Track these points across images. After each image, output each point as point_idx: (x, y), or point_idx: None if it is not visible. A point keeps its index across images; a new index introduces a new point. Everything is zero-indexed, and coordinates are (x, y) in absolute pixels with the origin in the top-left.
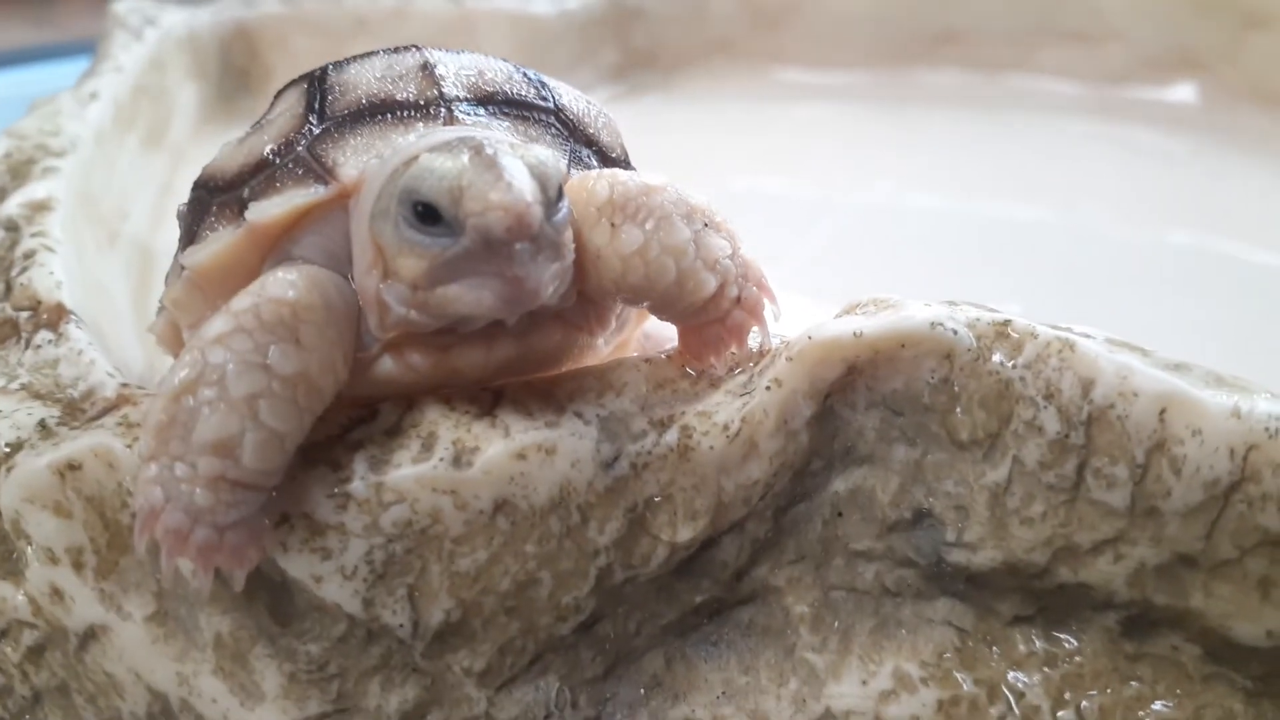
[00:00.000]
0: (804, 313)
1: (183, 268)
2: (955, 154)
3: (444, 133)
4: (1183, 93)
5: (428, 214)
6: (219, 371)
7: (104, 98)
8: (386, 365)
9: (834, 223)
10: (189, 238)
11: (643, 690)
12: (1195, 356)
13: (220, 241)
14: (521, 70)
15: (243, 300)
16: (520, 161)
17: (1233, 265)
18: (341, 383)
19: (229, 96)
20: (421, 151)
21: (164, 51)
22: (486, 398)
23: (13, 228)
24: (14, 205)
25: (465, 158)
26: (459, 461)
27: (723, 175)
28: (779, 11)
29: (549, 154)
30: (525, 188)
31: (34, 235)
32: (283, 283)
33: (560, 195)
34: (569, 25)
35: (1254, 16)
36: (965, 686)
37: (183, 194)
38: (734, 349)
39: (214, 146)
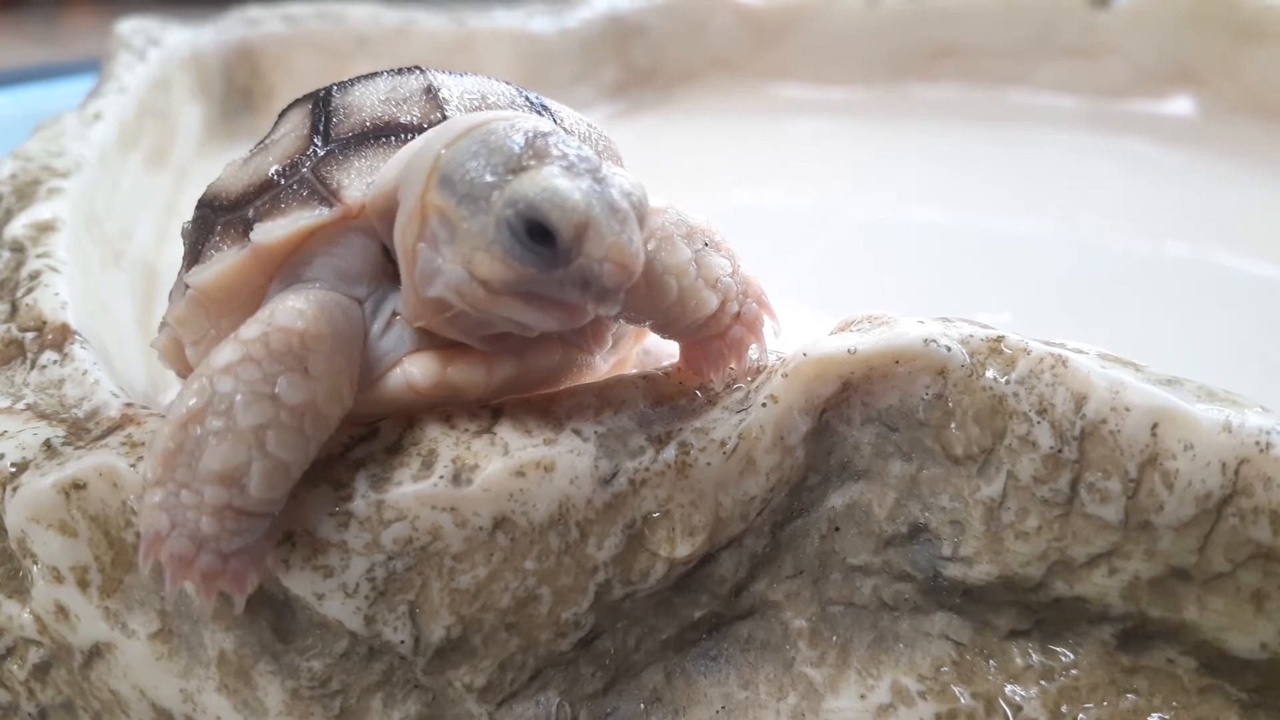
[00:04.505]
0: (805, 325)
1: (187, 286)
2: (954, 168)
3: (527, 119)
4: (1180, 106)
5: (538, 232)
6: (227, 401)
7: (108, 118)
8: (389, 384)
9: (834, 236)
10: (193, 256)
11: (643, 705)
12: (1193, 367)
13: (225, 262)
14: (524, 93)
15: (251, 328)
16: (629, 201)
17: (1230, 276)
18: (347, 409)
19: (232, 116)
20: (520, 131)
21: (168, 71)
22: (486, 415)
23: (18, 248)
24: (19, 226)
25: (588, 185)
26: (459, 479)
27: (723, 190)
28: (778, 28)
29: (637, 182)
30: (638, 238)
31: (39, 256)
32: (291, 311)
33: None
34: (569, 43)
35: (1250, 31)
36: (963, 700)
37: (187, 213)
38: (733, 364)
39: (218, 166)
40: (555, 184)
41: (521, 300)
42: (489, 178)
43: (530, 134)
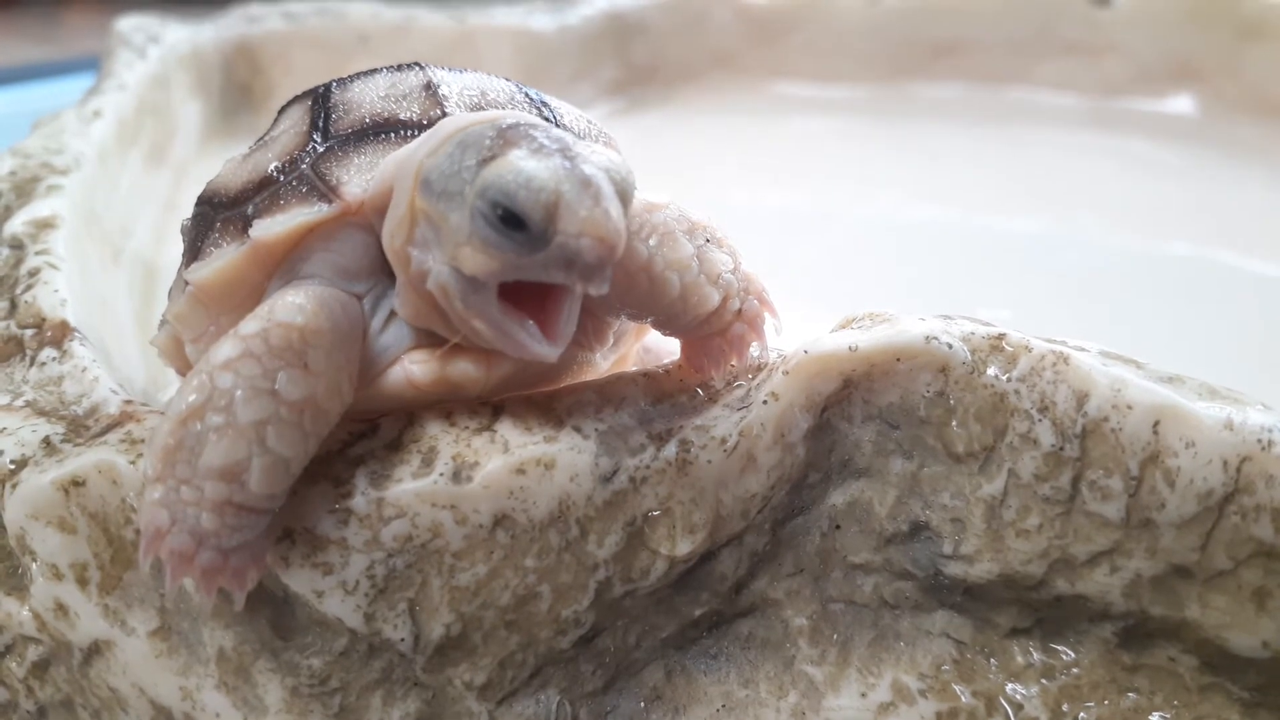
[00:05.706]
0: (806, 324)
1: (186, 282)
2: (955, 166)
3: (509, 115)
4: (1180, 104)
5: (512, 219)
6: (227, 397)
7: (107, 115)
8: (389, 381)
9: (835, 234)
10: (193, 253)
11: (643, 703)
12: (1193, 366)
13: (224, 258)
14: (523, 89)
15: (251, 324)
16: (606, 176)
17: (1231, 274)
18: (347, 405)
19: (232, 113)
20: (493, 125)
21: (167, 69)
22: (486, 412)
23: (18, 245)
24: (19, 223)
25: (556, 163)
26: (459, 476)
27: (723, 188)
28: (779, 26)
29: (620, 160)
30: (617, 212)
31: (38, 253)
32: (291, 307)
33: None
34: (570, 41)
35: (1250, 28)
36: (964, 699)
37: (186, 211)
38: (734, 362)
39: (217, 163)
40: (520, 165)
41: (488, 330)
42: (462, 173)
43: (503, 126)
